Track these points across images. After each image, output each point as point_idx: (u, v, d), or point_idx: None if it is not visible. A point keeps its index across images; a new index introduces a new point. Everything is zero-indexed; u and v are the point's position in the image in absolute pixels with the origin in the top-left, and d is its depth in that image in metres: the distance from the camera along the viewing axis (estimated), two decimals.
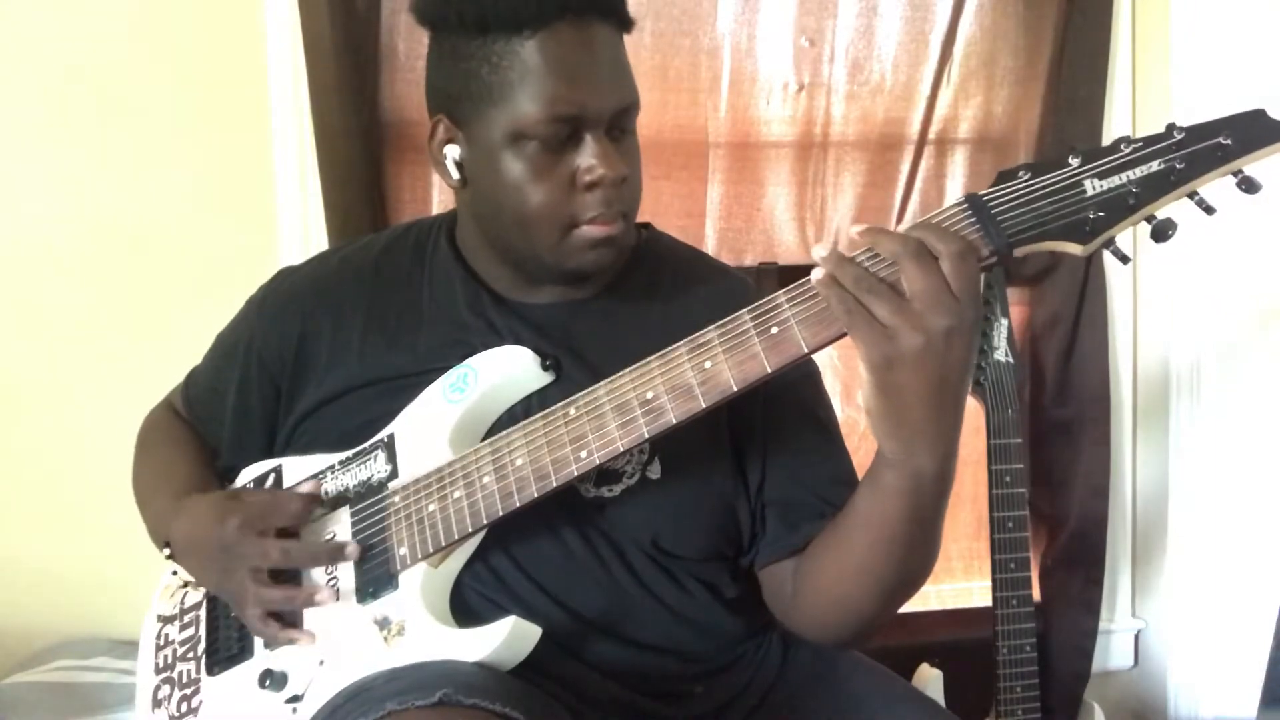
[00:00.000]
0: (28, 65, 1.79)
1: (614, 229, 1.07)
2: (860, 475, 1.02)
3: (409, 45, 1.85)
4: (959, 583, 2.19)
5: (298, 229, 1.85)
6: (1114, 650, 2.19)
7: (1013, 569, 1.81)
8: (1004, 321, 1.85)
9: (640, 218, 1.29)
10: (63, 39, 1.79)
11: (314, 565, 1.08)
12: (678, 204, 2.01)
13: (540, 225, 1.07)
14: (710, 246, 2.02)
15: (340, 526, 1.10)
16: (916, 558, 1.01)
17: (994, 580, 1.81)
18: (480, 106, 1.05)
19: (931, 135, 2.06)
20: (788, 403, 1.14)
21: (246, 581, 1.05)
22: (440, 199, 1.88)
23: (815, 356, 0.99)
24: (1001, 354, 1.84)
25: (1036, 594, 2.00)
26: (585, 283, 1.14)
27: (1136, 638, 2.21)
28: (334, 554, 1.07)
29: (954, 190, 2.07)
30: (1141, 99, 2.07)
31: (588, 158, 1.04)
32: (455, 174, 1.11)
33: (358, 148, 1.82)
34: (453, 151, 1.10)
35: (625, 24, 1.09)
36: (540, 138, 1.03)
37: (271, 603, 1.05)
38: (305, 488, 1.12)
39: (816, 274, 0.90)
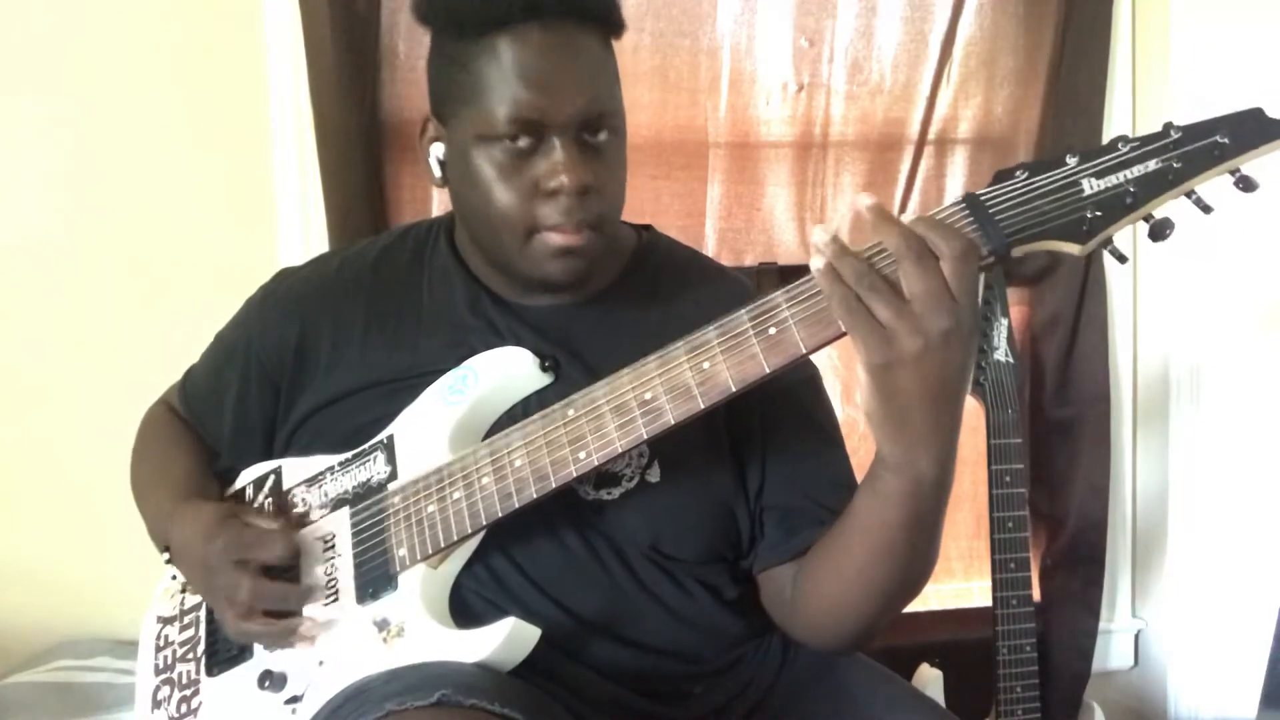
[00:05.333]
0: (28, 65, 1.79)
1: (575, 239, 1.05)
2: (859, 478, 1.02)
3: (409, 45, 1.85)
4: (959, 583, 2.19)
5: (298, 229, 1.85)
6: (1114, 650, 2.19)
7: (1013, 569, 1.81)
8: (1004, 321, 1.85)
9: (640, 218, 1.30)
10: (63, 39, 1.79)
11: (282, 608, 1.06)
12: (678, 204, 2.01)
13: (503, 229, 1.07)
14: (710, 246, 2.02)
15: (340, 528, 1.10)
16: (916, 562, 1.00)
17: (994, 580, 1.81)
18: (456, 106, 1.06)
19: (931, 135, 2.06)
20: (787, 407, 1.14)
21: (223, 606, 1.05)
22: (440, 199, 1.89)
23: (815, 358, 0.99)
24: (1001, 354, 1.84)
25: (1036, 594, 2.00)
26: (563, 291, 1.13)
27: (1136, 638, 2.21)
28: (303, 598, 1.06)
29: (954, 190, 2.07)
30: (1141, 99, 2.07)
31: (549, 164, 1.04)
32: (437, 172, 1.13)
33: (358, 148, 1.83)
34: (437, 150, 1.12)
35: (611, 29, 1.08)
36: (505, 140, 1.03)
37: (248, 636, 1.06)
38: (301, 538, 1.10)
39: (816, 262, 0.89)
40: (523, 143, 1.04)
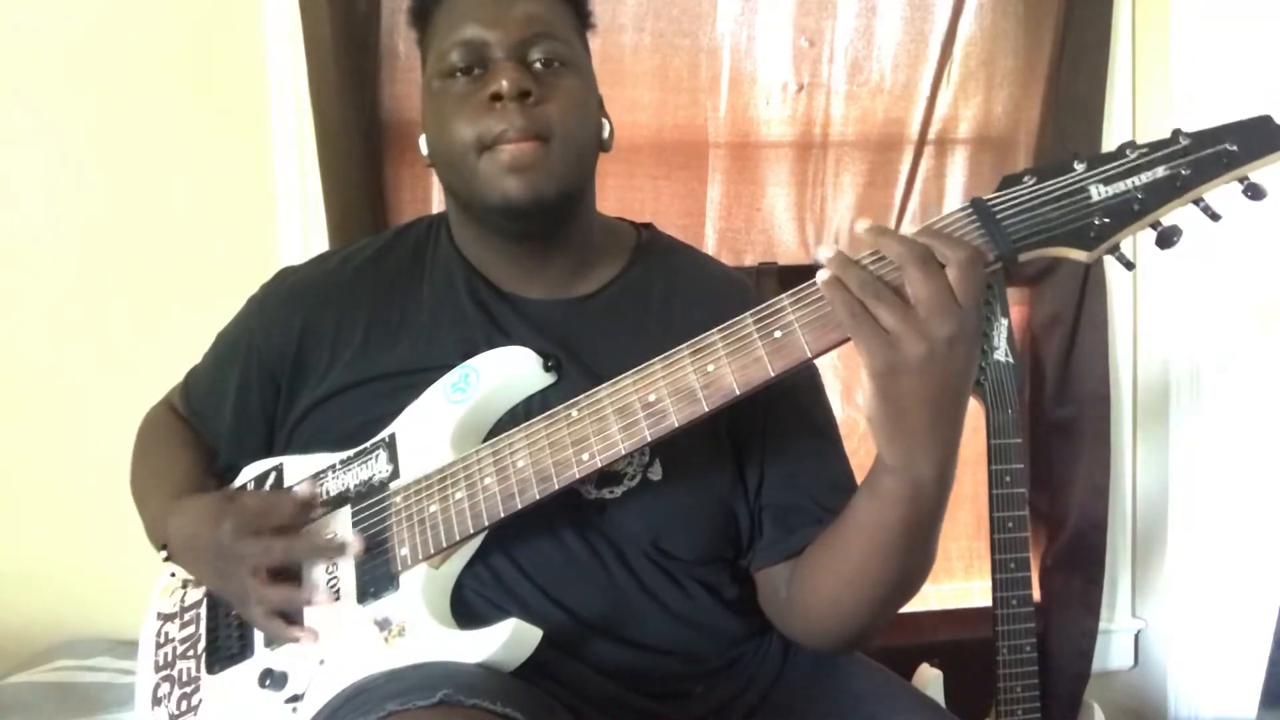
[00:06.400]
0: (28, 65, 1.79)
1: (522, 149, 1.07)
2: (859, 480, 1.02)
3: (409, 45, 1.85)
4: (959, 583, 2.19)
5: (298, 229, 1.85)
6: (1114, 650, 2.19)
7: (1013, 569, 1.81)
8: (1004, 321, 1.85)
9: (640, 218, 1.30)
10: (63, 39, 1.80)
11: (317, 559, 1.07)
12: (678, 204, 2.01)
13: (459, 154, 1.09)
14: (710, 246, 2.02)
15: (341, 526, 1.09)
16: (913, 564, 1.01)
17: (994, 580, 1.81)
18: (426, 62, 1.15)
19: (931, 135, 2.06)
20: (788, 407, 1.14)
21: (247, 581, 1.04)
22: (440, 198, 1.88)
23: (816, 359, 0.99)
24: (1001, 354, 1.84)
25: (1036, 594, 2.01)
26: (525, 217, 1.11)
27: (1136, 638, 2.21)
28: (338, 549, 1.06)
29: (954, 190, 2.07)
30: (1141, 99, 2.07)
31: (493, 77, 1.08)
32: (424, 150, 1.17)
33: (358, 148, 1.82)
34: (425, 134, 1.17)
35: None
36: (454, 69, 1.10)
37: (273, 603, 1.05)
38: (302, 489, 1.11)
39: (821, 275, 0.90)
40: (475, 73, 1.10)
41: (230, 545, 1.05)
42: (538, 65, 1.10)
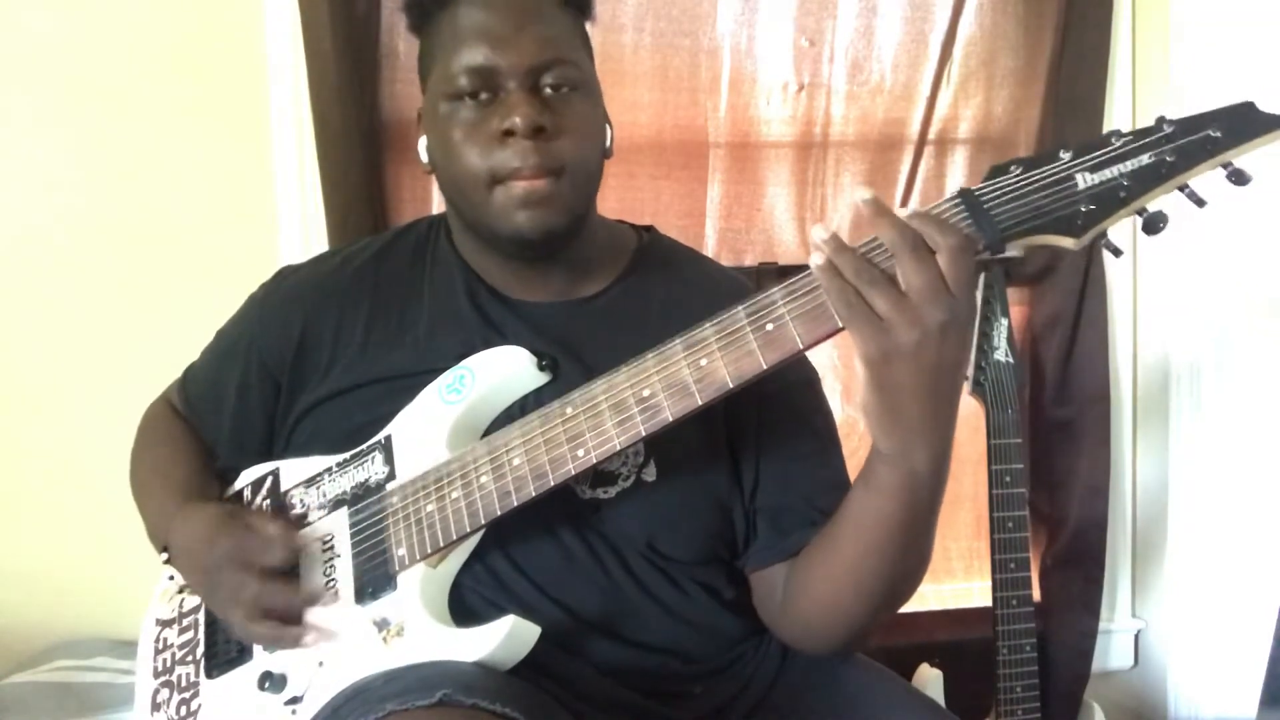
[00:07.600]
0: (28, 65, 1.80)
1: (536, 184, 1.06)
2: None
3: (409, 45, 1.85)
4: (959, 583, 2.19)
5: (298, 229, 1.85)
6: (1114, 650, 2.19)
7: (1013, 569, 1.81)
8: (1004, 321, 1.85)
9: (640, 218, 1.30)
10: (63, 39, 1.80)
11: (290, 612, 1.05)
12: (678, 204, 2.01)
13: (469, 184, 1.09)
14: (710, 246, 2.02)
15: (338, 528, 1.09)
16: (909, 561, 1.01)
17: (994, 580, 1.81)
18: (428, 80, 1.14)
19: (931, 135, 2.06)
20: (784, 408, 1.14)
21: (229, 609, 1.05)
22: (440, 199, 1.88)
23: (816, 358, 0.99)
24: (1001, 354, 1.84)
25: (1036, 594, 2.00)
26: (537, 249, 1.12)
27: (1136, 638, 2.21)
28: (310, 600, 1.05)
29: (954, 190, 2.07)
30: (1141, 99, 2.07)
31: (504, 109, 1.06)
32: (424, 158, 1.16)
33: (358, 148, 1.83)
34: (424, 139, 1.15)
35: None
36: (465, 98, 1.08)
37: (256, 638, 1.05)
38: (300, 537, 1.09)
39: (815, 259, 0.90)
40: (483, 97, 1.08)
41: (216, 571, 1.05)
42: (548, 90, 1.08)
